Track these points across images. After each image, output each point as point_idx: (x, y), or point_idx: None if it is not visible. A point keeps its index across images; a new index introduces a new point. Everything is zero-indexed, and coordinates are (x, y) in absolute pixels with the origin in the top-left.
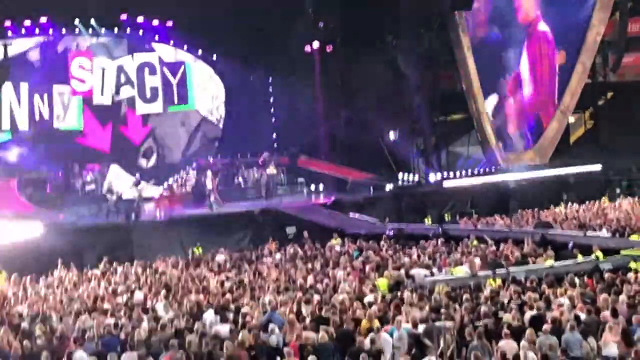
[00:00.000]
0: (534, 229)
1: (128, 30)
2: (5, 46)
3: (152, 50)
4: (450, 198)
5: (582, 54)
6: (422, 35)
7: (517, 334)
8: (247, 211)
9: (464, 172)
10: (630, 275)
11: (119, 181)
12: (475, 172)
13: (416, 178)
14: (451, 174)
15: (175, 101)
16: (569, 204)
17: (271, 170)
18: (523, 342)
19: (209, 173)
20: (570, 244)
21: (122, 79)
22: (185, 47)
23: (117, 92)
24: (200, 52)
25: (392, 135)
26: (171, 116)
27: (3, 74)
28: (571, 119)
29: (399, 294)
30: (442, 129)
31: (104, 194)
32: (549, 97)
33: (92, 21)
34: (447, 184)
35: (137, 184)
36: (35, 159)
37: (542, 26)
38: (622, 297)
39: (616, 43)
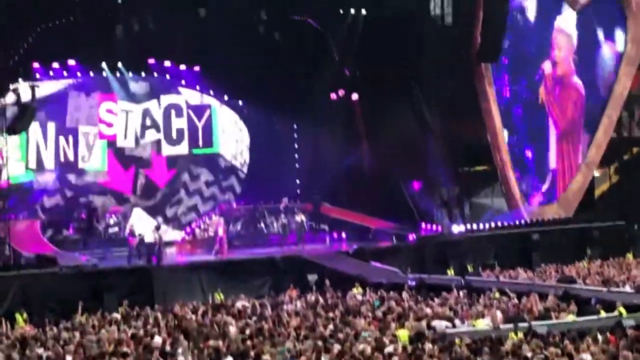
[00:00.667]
0: (557, 283)
1: (155, 74)
2: (33, 88)
3: (178, 93)
4: (473, 249)
5: (608, 108)
6: (448, 85)
7: None
8: (268, 257)
9: (487, 224)
10: None
11: (141, 224)
12: (499, 224)
13: (439, 228)
14: (474, 225)
15: (200, 144)
16: (593, 258)
17: (299, 216)
18: None
19: (220, 219)
20: (594, 300)
21: (148, 122)
22: (212, 92)
23: (142, 135)
24: (226, 97)
25: (415, 185)
26: (195, 159)
27: (30, 115)
28: (596, 173)
29: (420, 345)
30: (466, 179)
31: (126, 237)
32: (574, 149)
33: (120, 65)
34: (470, 235)
35: (158, 227)
36: (59, 200)
37: (576, 79)
38: None
39: None
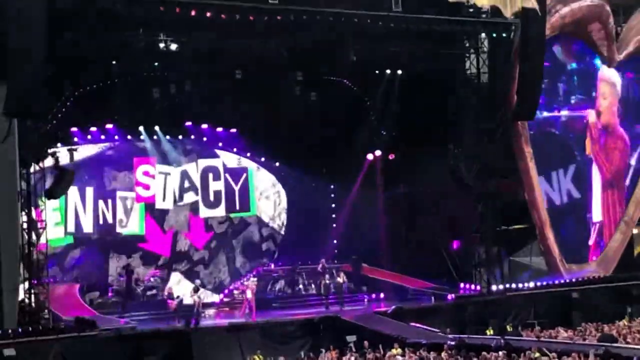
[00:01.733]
0: (598, 342)
1: (192, 136)
2: (71, 151)
3: (216, 156)
4: (513, 308)
5: None
6: (484, 143)
7: None
8: (307, 319)
9: (526, 283)
10: None
11: (180, 287)
12: (538, 282)
13: (478, 288)
14: (513, 284)
15: (237, 207)
16: (633, 317)
17: (338, 277)
18: None
19: (250, 283)
20: (635, 358)
21: (186, 184)
22: (249, 154)
23: (181, 197)
24: (263, 159)
25: (454, 244)
26: (233, 222)
27: (69, 179)
28: (635, 231)
29: None
30: (505, 238)
31: (164, 300)
32: (614, 206)
33: (157, 128)
34: (509, 294)
35: (197, 290)
36: (97, 264)
37: (621, 129)
38: None
39: None
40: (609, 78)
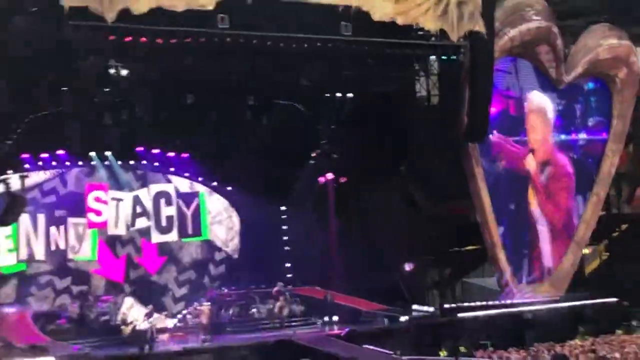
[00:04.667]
0: None
1: (144, 162)
2: (23, 178)
3: (168, 181)
4: (466, 330)
5: (596, 186)
6: (436, 165)
7: None
8: (261, 342)
9: (479, 304)
10: None
11: (133, 312)
12: (491, 303)
13: (431, 309)
14: (466, 305)
15: (190, 232)
16: (585, 336)
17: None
18: None
19: (203, 307)
20: None
21: (138, 209)
22: (201, 178)
23: (133, 223)
24: (215, 183)
25: (406, 267)
26: (186, 247)
27: (20, 206)
28: (586, 251)
29: None
30: (457, 260)
31: (118, 325)
32: (563, 228)
33: (108, 154)
34: (462, 315)
35: (150, 315)
36: (49, 290)
37: (559, 157)
38: None
39: (630, 175)
40: (537, 107)
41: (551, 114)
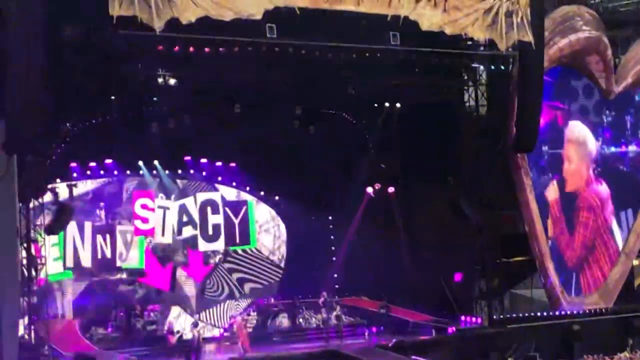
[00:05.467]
0: None
1: (191, 171)
2: (71, 187)
3: (215, 190)
4: (514, 341)
5: None
6: (484, 176)
7: None
8: (307, 353)
9: (527, 315)
10: None
11: (180, 321)
12: (539, 314)
13: (479, 320)
14: (514, 316)
15: (237, 241)
16: (635, 348)
17: (338, 311)
18: None
19: (238, 319)
20: None
21: (184, 218)
22: (248, 187)
23: (179, 232)
24: (262, 193)
25: (455, 277)
26: (232, 255)
27: (68, 215)
28: (635, 262)
29: None
30: (505, 270)
31: (164, 334)
32: (611, 239)
33: (156, 163)
34: (510, 326)
35: (196, 324)
36: (97, 299)
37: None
38: None
39: None
40: (578, 137)
41: (592, 145)
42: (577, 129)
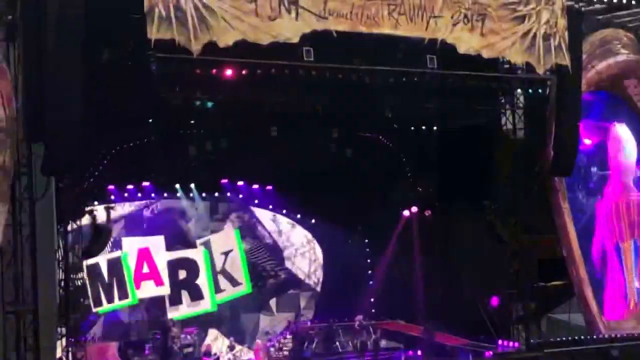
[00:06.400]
0: None
1: (228, 194)
2: (109, 209)
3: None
4: None
5: None
6: (521, 199)
7: None
8: None
9: (564, 339)
10: None
11: (217, 343)
12: (577, 338)
13: (516, 344)
14: (551, 340)
15: None
16: None
17: (374, 335)
18: None
19: (258, 342)
20: None
21: None
22: (284, 211)
23: None
24: (299, 216)
25: (492, 301)
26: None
27: (105, 238)
28: None
29: None
30: (542, 295)
31: (200, 357)
32: None
33: (192, 186)
34: (547, 350)
35: (232, 347)
36: (134, 321)
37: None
38: None
39: None
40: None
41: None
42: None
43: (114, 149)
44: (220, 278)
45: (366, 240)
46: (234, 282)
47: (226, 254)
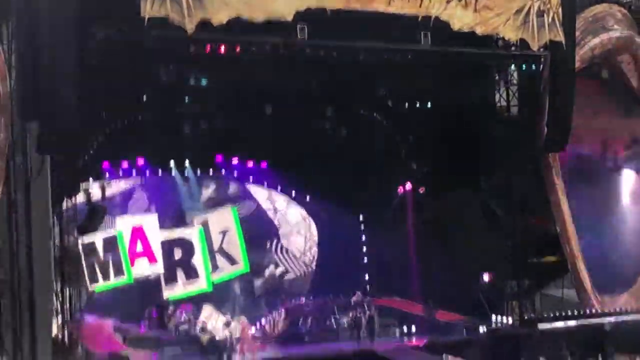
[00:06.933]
0: None
1: (223, 171)
2: (103, 187)
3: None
4: (545, 341)
5: None
6: (515, 176)
7: None
8: (340, 353)
9: (558, 315)
10: None
11: (212, 321)
12: (570, 314)
13: (510, 320)
14: (545, 316)
15: None
16: None
17: (370, 311)
18: None
19: (241, 319)
20: None
21: None
22: (279, 188)
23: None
24: (293, 193)
25: (485, 277)
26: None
27: (101, 215)
28: None
29: None
30: (536, 271)
31: (197, 334)
32: None
33: (187, 163)
34: (541, 326)
35: (229, 324)
36: (130, 298)
37: None
38: None
39: None
40: None
41: None
42: None
43: (108, 127)
44: (218, 257)
45: (360, 218)
46: (231, 261)
47: (224, 232)
